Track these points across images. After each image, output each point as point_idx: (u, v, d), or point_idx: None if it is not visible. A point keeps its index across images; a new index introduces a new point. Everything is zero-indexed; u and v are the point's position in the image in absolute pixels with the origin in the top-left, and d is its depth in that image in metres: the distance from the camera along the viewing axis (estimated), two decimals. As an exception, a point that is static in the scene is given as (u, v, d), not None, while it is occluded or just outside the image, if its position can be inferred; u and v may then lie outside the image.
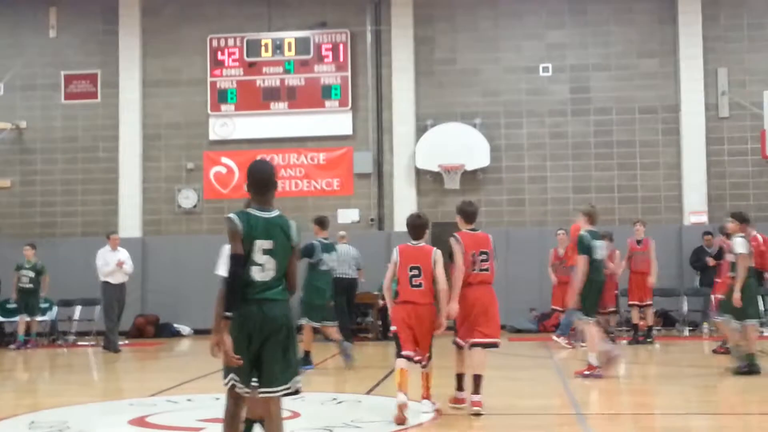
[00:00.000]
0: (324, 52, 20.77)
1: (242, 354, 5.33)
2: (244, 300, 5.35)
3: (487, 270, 8.72)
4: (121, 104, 21.23)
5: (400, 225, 20.23)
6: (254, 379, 5.44)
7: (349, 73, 20.72)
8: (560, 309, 15.91)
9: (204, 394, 9.85)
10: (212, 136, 21.05)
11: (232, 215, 5.45)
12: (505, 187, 20.35)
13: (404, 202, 20.31)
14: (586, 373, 10.92)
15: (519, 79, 20.54)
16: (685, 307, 18.13)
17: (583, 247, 11.09)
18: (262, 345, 5.37)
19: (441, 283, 8.32)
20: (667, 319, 18.55)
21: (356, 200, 20.74)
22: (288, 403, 8.81)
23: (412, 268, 8.32)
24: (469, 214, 8.98)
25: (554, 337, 15.36)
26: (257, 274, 5.39)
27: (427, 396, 8.54)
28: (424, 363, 8.39)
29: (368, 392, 10.02)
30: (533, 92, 20.48)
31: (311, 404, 8.99)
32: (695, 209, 19.54)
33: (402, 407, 7.97)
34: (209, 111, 21.00)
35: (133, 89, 21.18)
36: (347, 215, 20.53)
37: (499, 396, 10.10)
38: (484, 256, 8.72)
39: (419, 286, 8.29)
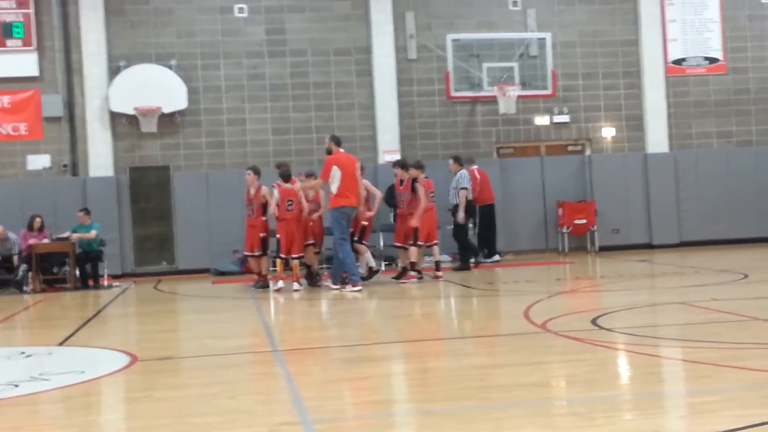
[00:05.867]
0: (3, -12, 19.42)
1: None
2: None
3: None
4: None
5: (95, 170, 19.52)
6: None
7: (32, 11, 19.51)
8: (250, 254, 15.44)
9: None
10: None
11: None
12: (204, 129, 20.13)
13: (99, 147, 19.61)
14: None
15: (214, 19, 20.27)
16: (381, 243, 18.87)
17: None
18: None
19: (305, 209, 14.43)
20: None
21: (46, 145, 19.70)
22: (-30, 362, 8.41)
23: (288, 200, 14.24)
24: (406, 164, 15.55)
25: (346, 290, 13.82)
26: None
27: (296, 279, 14.23)
28: (296, 257, 14.24)
29: (60, 344, 9.66)
30: (229, 33, 20.31)
31: (-4, 360, 8.57)
32: (389, 148, 20.34)
33: (279, 290, 14.12)
34: None
35: None
36: (37, 161, 19.51)
37: (197, 339, 10.15)
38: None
39: (292, 210, 14.28)
